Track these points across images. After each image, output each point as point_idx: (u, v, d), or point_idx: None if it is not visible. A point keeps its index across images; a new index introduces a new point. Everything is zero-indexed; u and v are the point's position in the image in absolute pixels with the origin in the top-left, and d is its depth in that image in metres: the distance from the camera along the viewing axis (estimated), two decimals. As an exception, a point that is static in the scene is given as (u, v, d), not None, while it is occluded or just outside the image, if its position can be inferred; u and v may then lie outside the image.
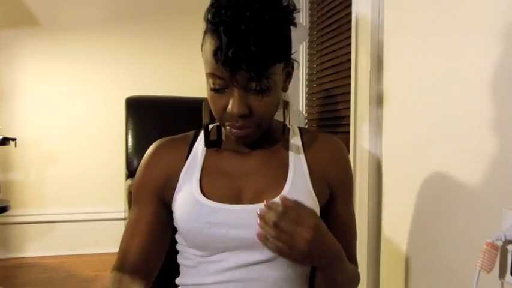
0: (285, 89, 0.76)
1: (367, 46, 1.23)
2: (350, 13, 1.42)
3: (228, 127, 0.72)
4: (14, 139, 2.25)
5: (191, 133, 0.85)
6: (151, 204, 0.80)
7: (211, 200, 0.73)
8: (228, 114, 0.70)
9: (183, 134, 0.85)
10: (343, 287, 0.77)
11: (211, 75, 0.69)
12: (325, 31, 1.93)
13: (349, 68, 1.38)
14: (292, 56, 0.74)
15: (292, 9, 0.69)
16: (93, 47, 2.78)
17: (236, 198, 0.75)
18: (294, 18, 0.71)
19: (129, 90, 2.49)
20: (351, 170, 0.83)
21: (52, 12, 2.73)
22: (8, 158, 2.69)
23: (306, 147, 0.81)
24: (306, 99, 2.30)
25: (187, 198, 0.75)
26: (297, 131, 0.83)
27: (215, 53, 0.64)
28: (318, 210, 0.75)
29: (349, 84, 1.38)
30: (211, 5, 0.66)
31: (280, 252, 0.65)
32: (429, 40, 1.00)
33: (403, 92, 1.12)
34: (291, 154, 0.79)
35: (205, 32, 0.70)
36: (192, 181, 0.76)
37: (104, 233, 2.70)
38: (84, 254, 2.66)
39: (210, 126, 0.83)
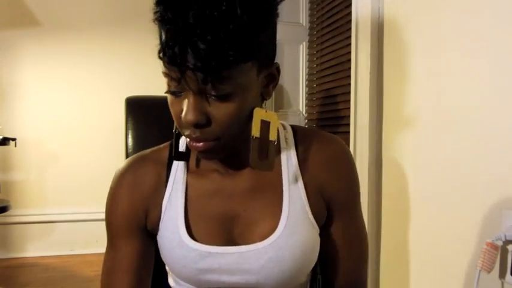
0: (266, 95, 0.62)
1: (367, 46, 1.23)
2: (350, 13, 1.42)
3: (187, 139, 0.60)
4: (14, 139, 2.25)
5: (164, 148, 0.71)
6: (130, 242, 0.68)
7: (199, 241, 0.64)
8: (184, 123, 0.58)
9: (155, 150, 0.72)
10: None
11: (164, 74, 0.57)
12: (325, 31, 1.93)
13: (349, 68, 1.38)
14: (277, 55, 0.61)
15: None
16: (94, 47, 2.78)
17: (227, 236, 0.65)
18: (276, 10, 0.57)
19: (129, 90, 2.49)
20: (354, 181, 0.70)
21: (52, 13, 2.73)
22: (8, 158, 2.69)
23: (301, 157, 0.67)
24: (306, 99, 2.30)
25: (173, 238, 0.65)
26: (291, 138, 0.69)
27: (160, 50, 0.53)
28: (317, 235, 0.67)
29: (349, 84, 1.38)
30: None
31: None
32: (429, 40, 1.00)
33: (403, 92, 1.11)
34: (285, 172, 0.66)
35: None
36: (177, 216, 0.65)
37: (103, 233, 2.69)
38: (84, 254, 2.66)
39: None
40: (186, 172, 0.68)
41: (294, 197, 0.65)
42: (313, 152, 0.68)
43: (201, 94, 0.55)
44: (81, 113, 2.78)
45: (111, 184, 0.71)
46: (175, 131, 0.66)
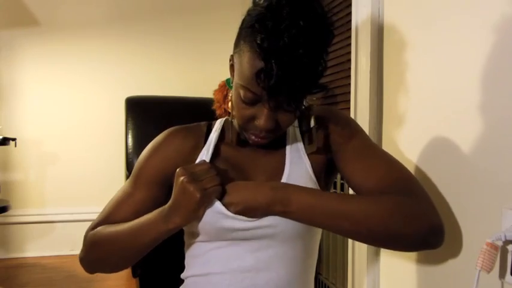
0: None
1: (367, 46, 1.23)
2: (350, 13, 1.42)
3: (250, 134, 0.76)
4: (14, 139, 2.26)
5: (204, 125, 0.88)
6: (148, 190, 0.82)
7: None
8: (253, 125, 0.73)
9: (195, 124, 0.88)
10: (354, 214, 0.68)
11: (244, 88, 0.70)
12: (325, 31, 1.93)
13: (349, 68, 1.38)
14: None
15: (332, 30, 0.71)
16: (93, 46, 2.79)
17: None
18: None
19: (129, 90, 2.50)
20: (347, 129, 0.82)
21: (52, 12, 2.73)
22: (8, 158, 2.69)
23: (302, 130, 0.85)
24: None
25: None
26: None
27: (258, 75, 0.65)
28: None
29: (349, 84, 1.38)
30: (259, 28, 0.65)
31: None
32: (430, 40, 1.00)
33: (403, 92, 1.12)
34: (288, 146, 0.83)
35: (243, 40, 0.69)
36: None
37: (104, 233, 2.70)
38: (84, 254, 2.66)
39: (219, 120, 0.88)
40: (215, 143, 0.83)
41: (295, 159, 0.80)
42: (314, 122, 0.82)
43: (276, 108, 0.70)
44: (81, 113, 2.78)
45: (156, 139, 0.85)
46: (231, 121, 0.83)
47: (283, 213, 0.71)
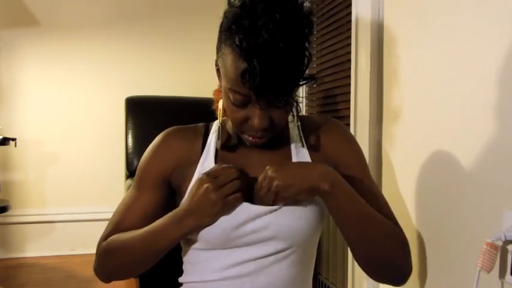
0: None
1: (367, 46, 1.23)
2: (350, 13, 1.42)
3: (245, 135, 0.75)
4: (14, 139, 2.25)
5: (201, 126, 0.87)
6: (153, 191, 0.81)
7: None
8: (248, 126, 0.73)
9: (193, 126, 0.87)
10: (372, 229, 0.73)
11: (232, 91, 0.69)
12: (325, 31, 1.93)
13: (349, 68, 1.38)
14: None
15: (312, 20, 0.70)
16: (93, 46, 2.79)
17: (246, 194, 0.76)
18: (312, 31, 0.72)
19: (129, 90, 2.50)
20: (354, 146, 0.85)
21: (52, 12, 2.73)
22: (8, 158, 2.69)
23: (306, 134, 0.83)
24: (306, 99, 2.29)
25: None
26: (296, 120, 0.85)
27: (243, 76, 0.65)
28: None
29: (349, 84, 1.38)
30: (236, 28, 0.65)
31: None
32: (430, 39, 1.00)
33: (403, 92, 1.12)
34: (293, 144, 0.82)
35: (224, 43, 0.69)
36: None
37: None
38: (84, 254, 2.66)
39: (216, 123, 0.87)
40: (216, 146, 0.82)
41: (302, 160, 0.80)
42: (315, 130, 0.83)
43: (267, 106, 0.69)
44: (81, 113, 2.78)
45: (154, 141, 0.85)
46: (220, 125, 0.82)
47: (327, 194, 0.71)
